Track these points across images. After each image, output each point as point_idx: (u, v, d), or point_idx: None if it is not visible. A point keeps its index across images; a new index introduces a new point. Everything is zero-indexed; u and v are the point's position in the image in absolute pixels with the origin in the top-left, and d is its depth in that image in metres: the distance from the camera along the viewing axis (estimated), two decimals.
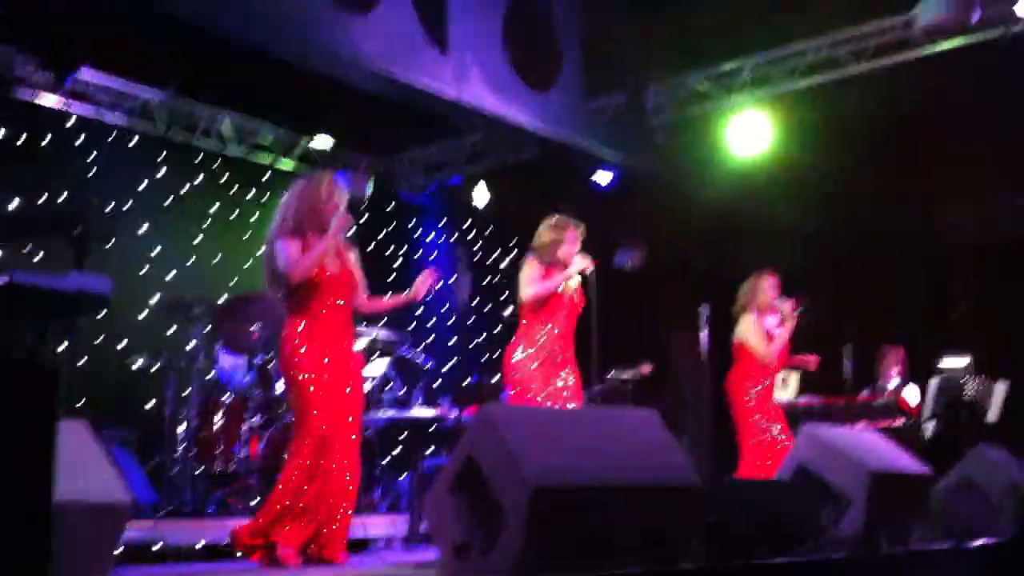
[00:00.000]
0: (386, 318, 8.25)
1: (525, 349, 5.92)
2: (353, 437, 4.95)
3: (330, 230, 4.98)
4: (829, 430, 5.26)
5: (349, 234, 5.23)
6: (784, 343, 7.33)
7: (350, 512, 4.94)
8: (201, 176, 9.94)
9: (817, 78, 9.03)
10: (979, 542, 5.03)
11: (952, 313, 12.39)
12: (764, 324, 7.41)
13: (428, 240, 12.13)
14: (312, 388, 4.84)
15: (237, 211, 10.14)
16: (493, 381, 9.65)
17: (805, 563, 3.86)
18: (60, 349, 8.00)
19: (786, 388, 8.56)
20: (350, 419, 4.94)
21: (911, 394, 8.71)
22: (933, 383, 8.25)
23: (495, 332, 11.76)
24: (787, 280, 8.27)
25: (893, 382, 8.96)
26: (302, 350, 4.89)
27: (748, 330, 7.37)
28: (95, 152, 9.03)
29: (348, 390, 4.97)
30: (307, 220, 5.03)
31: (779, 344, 7.30)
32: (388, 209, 11.63)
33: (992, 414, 8.16)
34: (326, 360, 4.90)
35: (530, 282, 5.96)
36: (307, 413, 4.84)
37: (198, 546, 6.10)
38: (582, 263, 5.98)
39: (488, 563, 3.32)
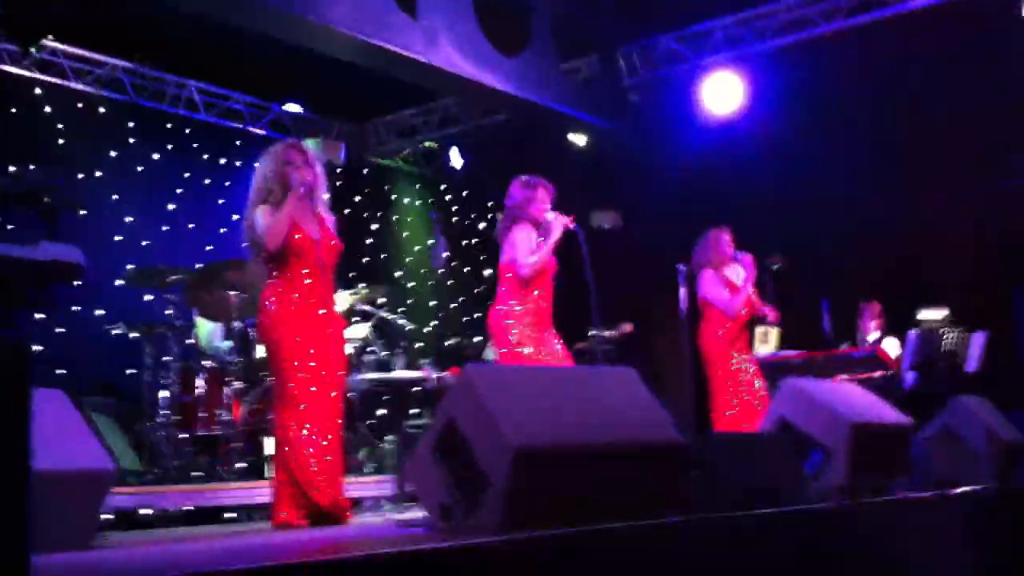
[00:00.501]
0: (365, 282, 8.21)
1: (518, 313, 5.91)
2: (334, 396, 4.95)
3: (291, 193, 4.94)
4: (810, 383, 5.28)
5: (325, 197, 5.20)
6: (746, 295, 7.34)
7: (340, 473, 4.97)
8: (172, 143, 9.86)
9: (790, 38, 9.00)
10: (959, 491, 5.08)
11: (929, 271, 12.45)
12: (725, 278, 7.42)
13: (403, 204, 12.09)
14: (290, 352, 4.84)
15: (209, 178, 10.07)
16: (473, 342, 9.67)
17: (788, 515, 3.88)
18: (35, 320, 7.96)
19: (767, 343, 8.59)
20: (330, 380, 4.94)
21: (890, 346, 8.76)
22: (911, 335, 8.31)
23: (474, 294, 11.75)
24: (763, 237, 8.29)
25: (872, 335, 9.02)
26: (281, 315, 4.89)
27: (708, 287, 7.40)
28: (63, 121, 8.93)
29: (329, 352, 4.97)
30: (277, 187, 5.02)
31: (743, 296, 7.31)
32: (363, 174, 11.58)
33: (971, 364, 8.23)
34: (304, 324, 4.89)
35: (527, 251, 5.92)
36: (287, 378, 4.84)
37: (185, 509, 6.12)
38: (563, 221, 5.96)
39: (473, 523, 3.32)
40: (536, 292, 5.95)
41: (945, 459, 5.41)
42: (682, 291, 7.24)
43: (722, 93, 9.37)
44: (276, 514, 4.81)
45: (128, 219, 9.23)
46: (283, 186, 5.01)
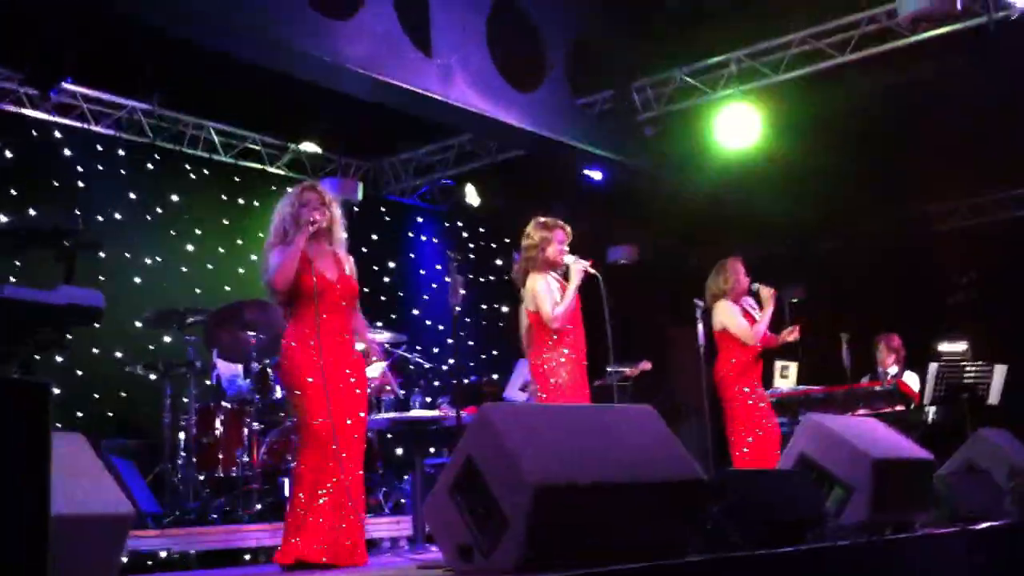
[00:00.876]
0: (383, 321, 8.24)
1: (556, 363, 5.95)
2: (356, 437, 4.94)
3: (299, 231, 4.95)
4: (830, 418, 5.25)
5: (343, 237, 5.23)
6: (766, 325, 7.29)
7: (362, 513, 4.94)
8: (190, 184, 9.92)
9: (803, 70, 9.01)
10: (983, 525, 5.03)
11: (949, 299, 12.43)
12: (742, 308, 7.37)
13: (420, 241, 12.13)
14: (311, 393, 4.83)
15: (228, 218, 10.12)
16: (491, 380, 9.65)
17: (810, 552, 3.85)
18: (56, 362, 8.00)
19: (786, 378, 8.55)
20: (351, 422, 4.93)
21: (910, 380, 8.71)
22: (932, 368, 8.25)
23: (491, 331, 11.74)
24: (782, 271, 8.26)
25: (892, 369, 8.96)
26: (301, 355, 4.88)
27: (727, 315, 7.33)
28: (82, 163, 9.01)
29: (350, 393, 4.96)
30: (293, 228, 5.04)
31: (762, 326, 7.26)
32: (379, 212, 11.62)
33: (992, 397, 8.16)
34: (323, 364, 4.88)
35: (551, 300, 5.99)
36: (310, 421, 4.83)
37: (204, 551, 6.10)
38: (582, 264, 5.99)
39: (492, 564, 3.30)
40: (569, 338, 5.99)
41: (968, 493, 5.35)
42: (700, 326, 7.20)
43: (737, 126, 9.36)
44: (286, 552, 4.76)
45: (147, 260, 9.27)
46: (297, 227, 5.03)
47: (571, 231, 6.21)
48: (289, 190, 5.28)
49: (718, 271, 7.50)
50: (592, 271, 6.06)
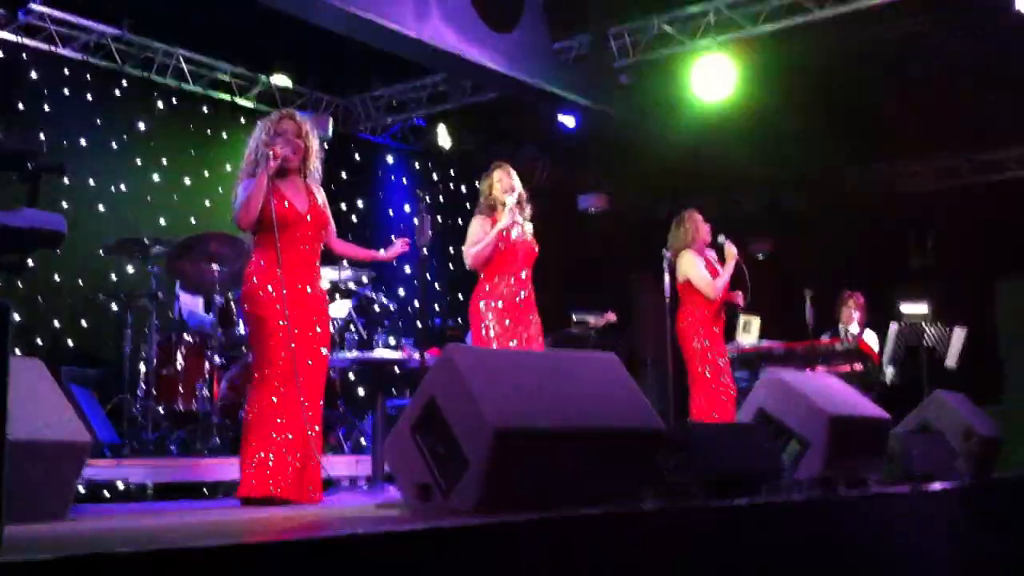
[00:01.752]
0: (347, 260, 8.18)
1: (488, 300, 5.96)
2: (316, 373, 4.91)
3: (263, 166, 4.87)
4: (790, 374, 5.29)
5: (317, 169, 5.14)
6: (727, 280, 7.28)
7: (319, 451, 4.92)
8: (158, 113, 9.78)
9: (781, 23, 8.97)
10: (937, 486, 5.10)
11: (912, 260, 12.54)
12: (703, 262, 7.34)
13: (389, 181, 12.05)
14: (272, 327, 4.79)
15: (195, 149, 10.00)
16: (455, 323, 9.65)
17: (765, 505, 3.89)
18: (17, 288, 7.91)
19: (748, 332, 8.60)
20: (311, 359, 4.90)
21: (870, 339, 8.79)
22: (893, 329, 8.33)
23: (457, 274, 11.73)
24: (750, 225, 8.28)
25: (853, 327, 9.03)
26: (265, 287, 4.83)
27: (690, 267, 7.30)
28: (49, 87, 8.85)
29: (311, 330, 4.92)
30: (263, 158, 4.94)
31: (722, 280, 7.23)
32: (350, 150, 11.52)
33: (951, 360, 8.26)
34: (286, 298, 4.82)
35: (472, 242, 6.08)
36: (267, 353, 4.79)
37: (161, 483, 6.09)
38: (512, 215, 5.99)
39: (450, 503, 3.31)
40: (509, 277, 5.98)
41: (922, 453, 5.42)
42: (666, 276, 7.20)
43: (713, 77, 9.32)
44: (242, 485, 4.74)
45: (112, 188, 9.16)
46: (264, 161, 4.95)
47: (513, 173, 6.19)
48: (265, 118, 5.16)
49: (678, 223, 7.47)
50: (518, 220, 6.05)
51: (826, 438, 4.78)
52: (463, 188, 12.37)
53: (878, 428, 5.33)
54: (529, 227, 6.19)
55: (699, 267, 7.28)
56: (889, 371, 8.25)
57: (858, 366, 8.24)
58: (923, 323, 8.47)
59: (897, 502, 4.72)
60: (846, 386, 5.66)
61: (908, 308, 9.20)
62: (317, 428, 4.89)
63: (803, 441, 4.84)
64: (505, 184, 6.12)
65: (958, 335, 8.32)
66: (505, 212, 6.00)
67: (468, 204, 12.00)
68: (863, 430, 5.14)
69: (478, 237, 6.04)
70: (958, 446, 5.96)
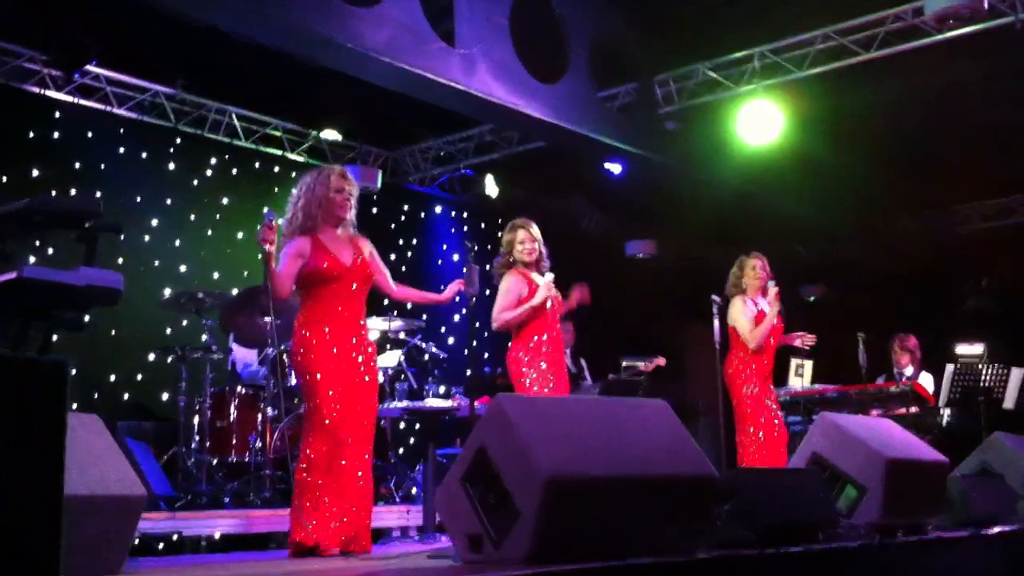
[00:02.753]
0: (398, 310, 8.24)
1: (527, 356, 5.99)
2: (364, 424, 4.95)
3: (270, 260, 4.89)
4: (844, 418, 5.23)
5: (354, 223, 5.21)
6: (770, 325, 7.19)
7: (369, 501, 4.95)
8: (211, 169, 9.95)
9: (826, 67, 8.94)
10: (996, 529, 5.00)
11: (967, 301, 12.38)
12: (754, 307, 7.30)
13: (437, 231, 12.13)
14: (322, 379, 4.83)
15: (248, 204, 10.15)
16: (505, 371, 9.64)
17: (821, 552, 3.84)
18: (74, 343, 8.04)
19: (801, 376, 8.52)
20: (360, 409, 4.94)
21: (925, 382, 8.67)
22: (949, 370, 8.20)
23: None
24: (799, 269, 8.23)
25: (908, 370, 8.92)
26: (313, 341, 4.88)
27: (736, 313, 7.26)
28: (105, 146, 9.04)
29: (360, 380, 4.96)
30: (318, 213, 5.04)
31: (764, 327, 7.14)
32: (398, 201, 11.63)
33: (1009, 401, 8.12)
34: (335, 351, 4.89)
35: (502, 306, 6.18)
36: (318, 404, 4.84)
37: (215, 536, 6.13)
38: (547, 291, 6.02)
39: (502, 554, 3.30)
40: (538, 337, 6.07)
41: (981, 497, 5.32)
42: (716, 322, 7.17)
43: (759, 121, 9.29)
44: (293, 534, 4.78)
45: (166, 244, 9.31)
46: (327, 215, 5.04)
47: (536, 231, 6.22)
48: (319, 170, 5.23)
49: (737, 266, 7.45)
50: (554, 292, 6.12)
51: (883, 483, 4.70)
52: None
53: (936, 472, 5.25)
54: (550, 276, 6.20)
55: (744, 313, 7.24)
56: (946, 414, 8.13)
57: (914, 409, 8.13)
58: (979, 364, 8.34)
59: (957, 548, 4.63)
60: (902, 429, 5.58)
61: (964, 349, 9.07)
62: (366, 479, 4.92)
63: (859, 486, 4.77)
64: (528, 246, 6.17)
65: (1016, 376, 8.17)
66: (541, 288, 6.05)
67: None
68: (921, 474, 5.06)
69: (509, 302, 6.09)
70: (1019, 488, 5.85)
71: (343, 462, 4.80)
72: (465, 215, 12.33)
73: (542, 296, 6.04)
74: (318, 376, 4.85)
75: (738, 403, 7.17)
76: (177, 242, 9.42)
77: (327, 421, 4.81)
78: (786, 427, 7.28)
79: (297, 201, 5.11)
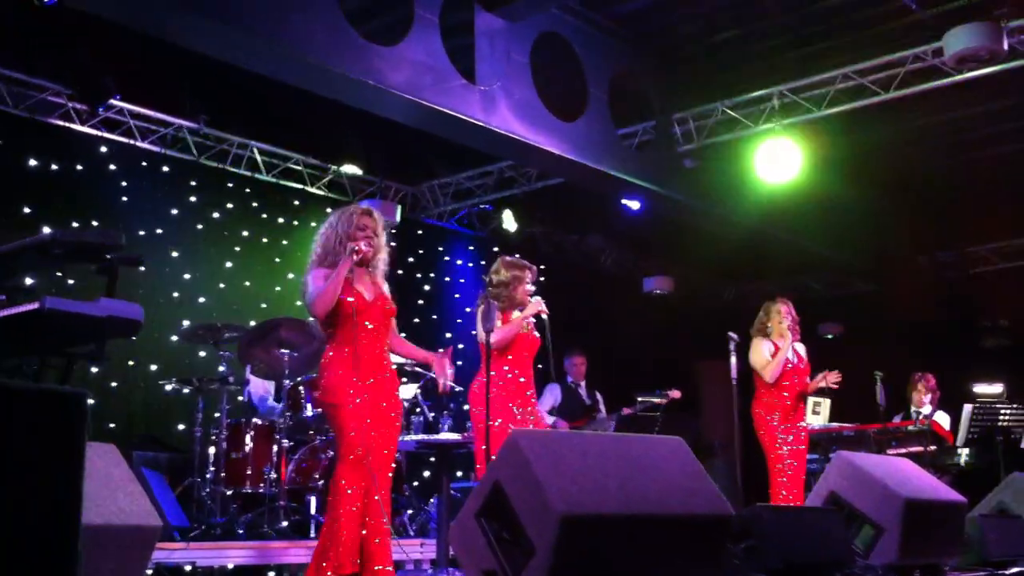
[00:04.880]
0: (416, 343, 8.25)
1: (491, 383, 5.95)
2: (387, 456, 4.98)
3: (343, 260, 4.99)
4: (861, 456, 5.20)
5: (384, 263, 5.25)
6: (784, 358, 7.27)
7: (389, 538, 4.97)
8: (232, 202, 10.03)
9: (846, 106, 8.96)
10: (1014, 570, 4.96)
11: (984, 340, 12.33)
12: (771, 348, 7.36)
13: (456, 265, 12.18)
14: (353, 411, 4.86)
15: (267, 237, 10.22)
16: None
17: None
18: (92, 373, 8.09)
19: (818, 414, 8.49)
20: (385, 441, 4.97)
21: (942, 420, 8.62)
22: (967, 410, 8.16)
23: None
24: (818, 306, 8.21)
25: (925, 408, 8.87)
26: (340, 378, 4.91)
27: (755, 352, 7.42)
28: (127, 179, 9.13)
29: (385, 413, 4.99)
30: (341, 249, 5.07)
31: (776, 365, 7.25)
32: (416, 236, 11.68)
33: None
34: (362, 386, 4.92)
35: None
36: (345, 440, 4.86)
37: (229, 567, 6.12)
38: (538, 306, 6.00)
39: None
40: (513, 364, 5.97)
41: (1000, 537, 5.28)
42: (732, 359, 7.18)
43: (778, 160, 9.30)
44: (318, 567, 4.79)
45: (186, 276, 9.37)
46: (345, 250, 5.08)
47: (527, 276, 6.20)
48: (340, 208, 5.29)
49: (764, 310, 7.55)
50: (544, 311, 6.04)
51: (900, 522, 4.67)
52: None
53: (954, 512, 5.21)
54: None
55: (762, 352, 7.32)
56: (964, 453, 8.07)
57: (931, 448, 8.08)
58: (998, 403, 8.29)
59: None
60: (920, 469, 5.55)
61: (982, 388, 9.01)
62: (387, 510, 4.94)
63: (876, 526, 4.74)
64: (527, 288, 6.14)
65: None
66: (531, 305, 6.03)
67: (532, 288, 12.06)
68: (939, 514, 5.03)
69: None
70: None
71: (370, 493, 4.82)
72: (483, 250, 12.37)
73: (533, 309, 6.02)
74: (345, 414, 4.86)
75: (763, 442, 7.24)
76: (196, 274, 9.48)
77: (355, 451, 4.82)
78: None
79: (323, 239, 5.15)
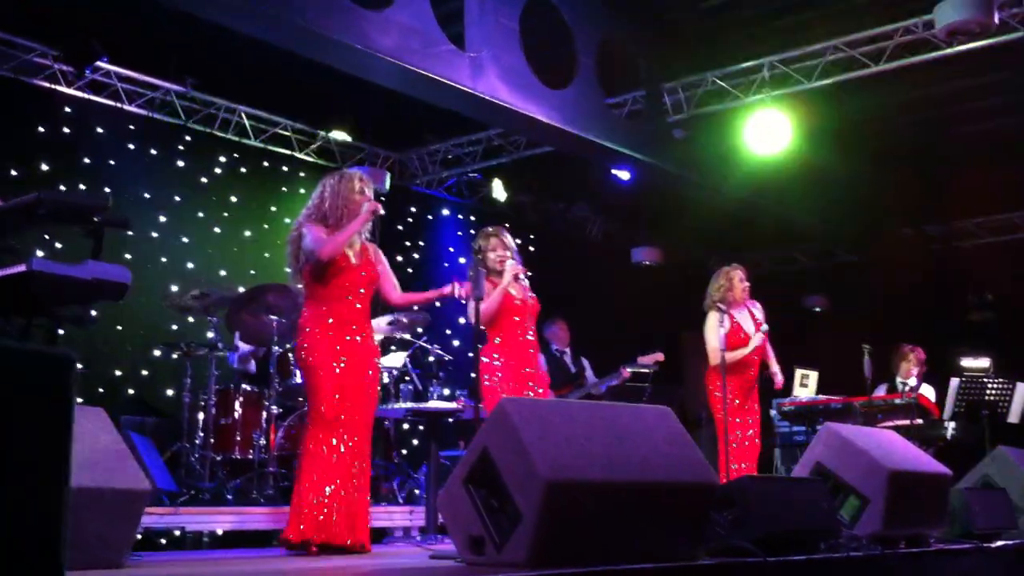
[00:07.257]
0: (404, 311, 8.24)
1: (495, 356, 5.97)
2: (365, 423, 5.02)
3: (360, 215, 5.06)
4: (848, 429, 5.23)
5: (369, 231, 5.30)
6: (731, 339, 7.08)
7: (367, 500, 5.00)
8: (220, 167, 9.97)
9: (835, 78, 8.94)
10: (998, 543, 5.00)
11: (971, 314, 12.37)
12: (726, 320, 7.09)
13: (444, 234, 12.15)
14: (325, 375, 4.90)
15: (256, 202, 10.17)
16: None
17: (822, 561, 3.84)
18: (79, 337, 8.06)
19: (806, 386, 8.51)
20: (362, 407, 5.00)
21: (927, 393, 8.66)
22: (954, 383, 8.20)
23: None
24: (805, 278, 8.22)
25: (911, 380, 8.90)
26: (318, 337, 4.95)
27: (707, 328, 7.31)
28: (114, 142, 9.06)
29: (363, 379, 5.02)
30: (340, 213, 5.10)
31: (722, 344, 6.97)
32: (405, 203, 11.64)
33: (1013, 415, 8.11)
34: (339, 348, 4.96)
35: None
36: (319, 399, 4.90)
37: (218, 532, 6.14)
38: (513, 270, 6.00)
39: (503, 557, 3.31)
40: (514, 332, 5.98)
41: (984, 510, 5.32)
42: (721, 330, 7.16)
43: (767, 131, 9.29)
44: (292, 532, 4.81)
45: (173, 241, 9.33)
46: (349, 213, 5.10)
47: (505, 240, 6.23)
48: (343, 172, 5.34)
49: (714, 278, 7.45)
50: (521, 274, 6.12)
51: (886, 494, 4.70)
52: (517, 240, 12.41)
53: (939, 484, 5.24)
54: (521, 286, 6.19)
55: (712, 328, 7.24)
56: (950, 426, 8.12)
57: (918, 421, 8.12)
58: (984, 378, 8.33)
59: (959, 560, 4.63)
60: (906, 441, 5.58)
61: (969, 362, 9.04)
62: (365, 473, 4.97)
63: (862, 497, 4.76)
64: (499, 254, 6.16)
65: (1021, 390, 8.16)
66: (507, 272, 6.04)
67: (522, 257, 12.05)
68: (924, 486, 5.06)
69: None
70: (1021, 502, 5.84)
71: (344, 460, 4.85)
72: (472, 218, 12.34)
73: (507, 278, 6.03)
74: (320, 373, 4.93)
75: (714, 413, 7.21)
76: (184, 239, 9.44)
77: (327, 418, 4.87)
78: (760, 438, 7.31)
79: (322, 199, 5.17)
